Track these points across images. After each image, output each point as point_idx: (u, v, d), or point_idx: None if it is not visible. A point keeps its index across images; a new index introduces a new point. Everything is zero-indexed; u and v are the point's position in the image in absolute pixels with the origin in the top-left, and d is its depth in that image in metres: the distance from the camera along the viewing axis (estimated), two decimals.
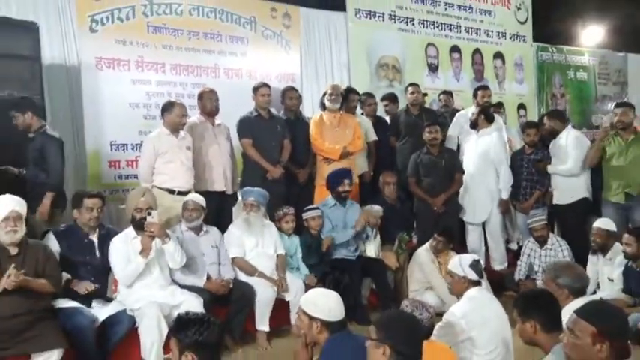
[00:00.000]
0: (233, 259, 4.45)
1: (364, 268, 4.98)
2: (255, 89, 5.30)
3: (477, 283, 3.31)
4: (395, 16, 7.64)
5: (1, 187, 3.59)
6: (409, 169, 5.64)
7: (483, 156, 5.61)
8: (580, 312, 2.13)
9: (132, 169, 5.40)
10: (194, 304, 3.74)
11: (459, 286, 3.34)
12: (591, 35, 11.39)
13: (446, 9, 8.19)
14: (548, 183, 5.73)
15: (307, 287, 4.28)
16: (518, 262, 5.46)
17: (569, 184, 5.57)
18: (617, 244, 4.59)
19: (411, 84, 6.44)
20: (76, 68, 5.23)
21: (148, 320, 3.60)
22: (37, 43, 4.59)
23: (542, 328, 2.46)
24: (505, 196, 5.64)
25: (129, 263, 3.80)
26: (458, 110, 6.52)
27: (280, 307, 4.41)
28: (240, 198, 4.90)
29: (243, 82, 6.05)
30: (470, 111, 6.05)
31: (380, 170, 5.77)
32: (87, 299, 3.76)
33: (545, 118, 6.07)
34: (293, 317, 4.25)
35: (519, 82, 9.09)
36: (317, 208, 4.99)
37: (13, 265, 3.19)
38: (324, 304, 2.60)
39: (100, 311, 3.71)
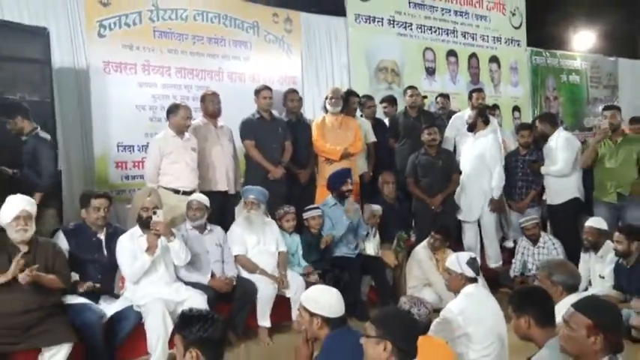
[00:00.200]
0: (235, 256, 4.44)
1: (364, 265, 4.97)
2: (257, 92, 5.30)
3: (474, 280, 3.30)
4: (393, 21, 7.63)
5: None
6: (407, 169, 5.64)
7: (479, 157, 5.60)
8: (577, 306, 2.15)
9: (138, 169, 5.39)
10: (198, 301, 3.74)
11: (456, 283, 3.33)
12: (583, 40, 11.45)
13: (443, 14, 8.19)
14: (542, 183, 5.73)
15: (307, 283, 4.29)
16: (513, 260, 5.47)
17: (560, 185, 5.57)
18: (608, 242, 4.59)
19: (410, 87, 6.42)
20: (85, 72, 5.23)
21: (154, 316, 3.60)
22: (47, 47, 4.59)
23: (536, 323, 2.47)
24: (496, 195, 5.63)
25: (135, 261, 3.80)
26: (454, 112, 6.52)
27: (281, 304, 4.40)
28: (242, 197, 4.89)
29: (246, 85, 6.05)
30: (466, 113, 6.03)
31: (379, 171, 5.77)
32: (95, 296, 3.77)
33: (536, 121, 6.10)
34: (294, 313, 4.25)
35: (514, 85, 9.09)
36: (317, 208, 4.99)
37: (23, 261, 3.20)
38: (325, 300, 2.59)
39: (108, 307, 3.72)
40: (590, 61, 10.55)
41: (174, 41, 5.73)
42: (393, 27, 7.63)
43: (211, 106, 5.01)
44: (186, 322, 2.13)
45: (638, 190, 5.39)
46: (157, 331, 3.58)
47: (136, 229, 3.95)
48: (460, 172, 5.64)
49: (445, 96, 7.04)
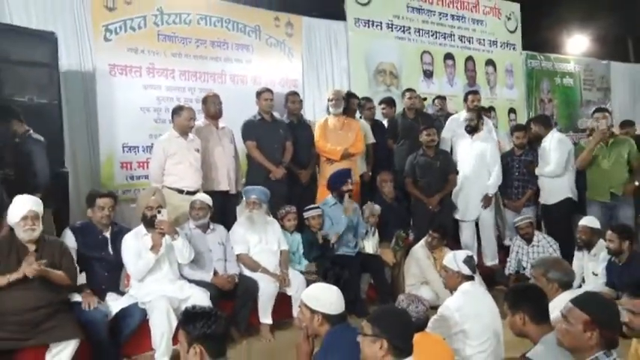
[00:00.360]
0: (238, 255, 4.44)
1: (363, 264, 4.97)
2: (259, 94, 5.30)
3: (470, 278, 3.30)
4: (392, 25, 7.63)
5: None
6: (406, 169, 5.63)
7: (479, 158, 5.61)
8: (575, 301, 2.16)
9: (143, 170, 5.39)
10: (201, 298, 3.75)
11: (453, 281, 3.33)
12: (577, 44, 11.48)
13: (440, 19, 8.19)
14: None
15: (308, 281, 4.29)
16: (508, 259, 5.47)
17: (553, 185, 5.58)
18: (601, 240, 4.59)
19: (408, 89, 6.44)
20: (91, 75, 5.23)
21: (158, 313, 3.60)
22: (54, 51, 4.58)
23: (531, 320, 2.47)
24: (491, 192, 5.64)
25: (140, 259, 3.80)
26: (452, 114, 6.52)
27: (283, 301, 4.40)
28: (244, 197, 4.89)
29: (248, 87, 6.04)
30: (461, 115, 6.05)
31: (378, 171, 5.76)
32: (101, 293, 3.77)
33: (531, 122, 6.12)
34: (295, 311, 4.24)
35: (510, 87, 9.08)
36: (317, 208, 4.99)
37: (33, 259, 3.20)
38: (325, 298, 2.59)
39: (113, 305, 3.72)
40: (584, 65, 10.57)
41: (178, 45, 5.73)
42: (392, 31, 7.64)
43: (213, 107, 5.01)
44: (189, 319, 2.13)
45: (630, 190, 5.43)
46: (162, 328, 3.58)
47: (141, 228, 3.96)
48: (457, 173, 5.64)
49: (442, 98, 7.05)
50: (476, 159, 5.62)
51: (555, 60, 10.07)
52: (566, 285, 3.05)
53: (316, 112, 6.65)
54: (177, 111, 4.67)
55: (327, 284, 2.81)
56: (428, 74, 8.01)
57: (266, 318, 4.26)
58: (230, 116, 5.24)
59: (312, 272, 4.59)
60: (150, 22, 5.55)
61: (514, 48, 9.19)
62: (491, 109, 7.69)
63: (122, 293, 3.92)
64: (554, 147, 5.56)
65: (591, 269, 4.67)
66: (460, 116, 6.09)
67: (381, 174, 5.60)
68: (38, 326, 3.23)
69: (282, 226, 4.76)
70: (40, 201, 3.43)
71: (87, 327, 3.41)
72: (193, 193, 4.52)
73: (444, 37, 8.23)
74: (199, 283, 4.01)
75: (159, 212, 3.82)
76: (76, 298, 3.60)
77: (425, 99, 7.07)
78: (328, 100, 5.58)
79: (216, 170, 4.92)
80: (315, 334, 2.62)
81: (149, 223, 3.88)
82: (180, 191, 4.56)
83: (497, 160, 5.67)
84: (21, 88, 4.30)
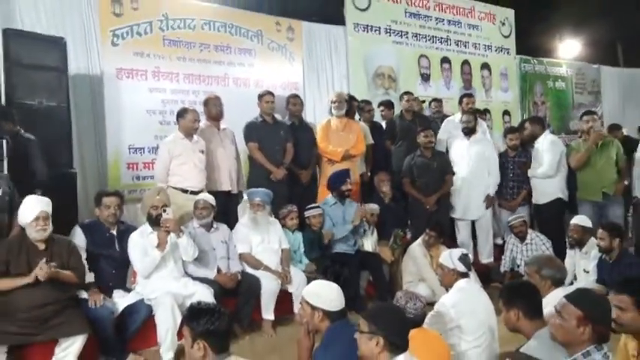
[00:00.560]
0: (240, 254, 4.43)
1: (362, 261, 4.96)
2: (260, 97, 5.30)
3: (466, 275, 3.30)
4: (390, 30, 7.63)
5: None
6: (404, 170, 5.63)
7: (477, 159, 5.61)
8: (569, 297, 2.17)
9: (148, 170, 5.39)
10: (205, 295, 3.75)
11: (448, 278, 3.33)
12: (568, 49, 11.53)
13: (437, 24, 8.20)
14: None
15: (309, 278, 4.28)
16: (503, 257, 5.46)
17: (544, 186, 5.60)
18: (592, 239, 4.58)
19: (406, 92, 6.45)
20: (99, 78, 5.23)
21: (164, 309, 3.60)
22: (64, 55, 4.59)
23: (525, 316, 2.48)
24: (492, 192, 5.65)
25: (146, 256, 3.80)
26: (448, 116, 6.52)
27: (284, 298, 4.40)
28: (245, 197, 4.88)
29: (250, 90, 6.04)
30: (457, 117, 6.05)
31: (376, 172, 5.75)
32: (108, 290, 3.78)
33: (526, 123, 6.15)
34: (296, 307, 4.25)
35: (504, 90, 9.08)
36: (318, 207, 4.98)
37: (44, 259, 3.21)
38: (326, 295, 2.59)
39: (120, 301, 3.72)
40: (575, 69, 10.58)
41: (182, 49, 5.73)
42: (390, 35, 7.63)
43: (214, 109, 5.00)
44: (194, 315, 2.13)
45: (620, 189, 5.44)
46: (167, 323, 3.58)
47: (146, 227, 3.95)
48: (453, 173, 5.64)
49: (438, 100, 7.05)
50: (475, 160, 5.62)
51: (548, 64, 10.08)
52: (559, 282, 3.06)
53: (317, 114, 6.65)
54: (182, 113, 4.66)
55: (327, 281, 2.81)
56: (425, 77, 8.01)
57: (268, 314, 4.26)
58: (233, 118, 5.24)
59: (312, 272, 4.59)
60: (155, 27, 5.55)
61: (508, 52, 9.20)
62: (487, 111, 7.70)
63: (129, 290, 3.92)
64: (547, 148, 5.58)
65: (583, 267, 4.67)
66: (455, 118, 6.10)
67: (379, 174, 5.59)
68: (47, 322, 3.24)
69: (284, 225, 4.76)
70: (50, 201, 3.43)
71: (94, 323, 3.42)
72: (197, 192, 4.52)
73: (441, 42, 8.23)
74: (203, 281, 4.01)
75: (164, 211, 3.82)
76: (84, 295, 3.61)
77: (423, 101, 7.08)
78: (331, 102, 5.57)
79: (218, 171, 4.91)
80: (315, 329, 2.62)
81: (155, 221, 3.88)
82: (185, 191, 4.56)
83: (495, 161, 5.70)
84: (32, 91, 4.31)
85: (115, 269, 3.89)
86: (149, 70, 5.51)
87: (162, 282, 3.82)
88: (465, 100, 6.17)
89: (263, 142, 5.17)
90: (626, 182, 5.63)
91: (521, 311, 2.47)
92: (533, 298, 2.55)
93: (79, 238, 3.79)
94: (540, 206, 5.67)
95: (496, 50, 9.00)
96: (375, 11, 7.46)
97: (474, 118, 5.74)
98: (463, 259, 3.30)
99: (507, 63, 9.16)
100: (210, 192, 4.57)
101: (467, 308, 3.09)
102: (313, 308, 2.56)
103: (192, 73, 5.79)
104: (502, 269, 5.41)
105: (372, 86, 7.41)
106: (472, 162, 5.63)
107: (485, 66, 8.78)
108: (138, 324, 3.70)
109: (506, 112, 9.01)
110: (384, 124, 6.48)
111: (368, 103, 6.44)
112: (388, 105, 6.60)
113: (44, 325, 3.22)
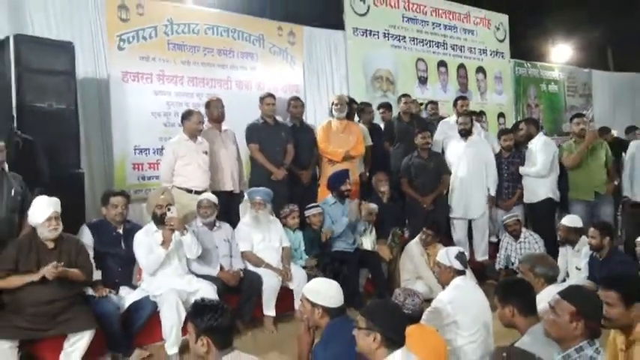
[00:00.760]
0: (242, 253, 4.43)
1: (361, 259, 4.95)
2: (262, 99, 5.28)
3: (462, 273, 3.29)
4: (388, 34, 7.64)
5: None
6: (401, 170, 5.63)
7: (475, 159, 5.61)
8: (563, 294, 2.18)
9: (153, 170, 5.38)
10: (209, 291, 3.74)
11: (445, 276, 3.32)
12: (561, 53, 11.58)
13: (434, 28, 8.21)
14: None
15: (309, 275, 4.28)
16: (498, 255, 5.46)
17: (536, 185, 5.61)
18: (583, 237, 4.58)
19: (404, 95, 6.45)
20: (106, 82, 5.23)
21: (168, 305, 3.60)
22: (72, 60, 4.58)
23: (520, 312, 2.48)
24: (493, 192, 5.66)
25: (151, 254, 3.79)
26: (444, 118, 6.52)
27: (285, 295, 4.40)
28: (246, 196, 4.88)
29: (252, 93, 6.03)
30: (452, 119, 6.05)
31: (375, 172, 5.75)
32: (115, 287, 3.79)
33: (522, 123, 6.17)
34: (297, 304, 4.25)
35: (499, 93, 9.10)
36: (318, 206, 4.98)
37: (54, 263, 3.21)
38: (325, 292, 2.59)
39: (126, 298, 3.73)
40: (567, 72, 10.61)
41: (186, 53, 5.72)
42: (388, 39, 7.64)
43: (216, 111, 4.98)
44: (198, 312, 2.13)
45: (611, 189, 5.45)
46: (171, 320, 3.58)
47: (151, 226, 3.95)
48: (450, 174, 5.63)
49: (435, 103, 7.07)
50: (473, 160, 5.62)
51: (541, 68, 10.11)
52: (552, 279, 3.05)
53: (317, 115, 6.66)
54: (186, 115, 4.66)
55: (327, 279, 2.81)
56: (422, 80, 8.02)
57: (269, 311, 4.25)
58: (235, 120, 5.23)
59: (312, 266, 4.59)
60: (160, 32, 5.55)
61: (503, 56, 9.22)
62: (482, 113, 7.69)
63: (134, 287, 3.91)
64: (540, 149, 5.59)
65: (575, 264, 4.67)
66: (450, 120, 6.10)
67: (377, 174, 5.58)
68: (56, 318, 3.24)
69: (285, 225, 4.75)
70: (59, 201, 3.42)
71: (101, 319, 3.42)
72: (201, 192, 4.51)
73: (438, 46, 8.25)
74: (206, 278, 4.00)
75: (168, 210, 3.81)
76: (91, 291, 3.61)
77: (421, 103, 7.08)
78: (332, 105, 5.56)
79: (221, 172, 4.90)
80: (315, 326, 2.62)
81: (159, 220, 3.88)
82: (189, 191, 4.55)
83: (493, 162, 5.70)
84: (41, 94, 4.31)
85: (121, 267, 3.89)
86: (154, 74, 5.50)
87: (167, 279, 3.81)
88: (459, 102, 6.18)
89: (264, 143, 5.16)
90: (615, 182, 5.64)
91: (515, 308, 2.47)
92: (528, 295, 2.55)
93: (86, 237, 3.79)
94: (532, 205, 5.68)
95: (491, 54, 9.02)
96: (374, 16, 7.46)
97: (470, 120, 5.74)
98: (460, 257, 3.30)
99: (502, 67, 9.18)
100: (213, 192, 4.56)
101: (463, 305, 3.08)
102: (313, 305, 2.56)
103: (196, 76, 5.79)
104: (497, 267, 5.42)
105: (371, 89, 7.41)
106: (470, 163, 5.62)
107: (480, 69, 8.80)
108: (143, 320, 3.70)
109: (500, 115, 9.03)
110: (382, 125, 6.48)
111: (368, 105, 6.44)
112: (387, 107, 6.61)
113: (53, 320, 3.23)
